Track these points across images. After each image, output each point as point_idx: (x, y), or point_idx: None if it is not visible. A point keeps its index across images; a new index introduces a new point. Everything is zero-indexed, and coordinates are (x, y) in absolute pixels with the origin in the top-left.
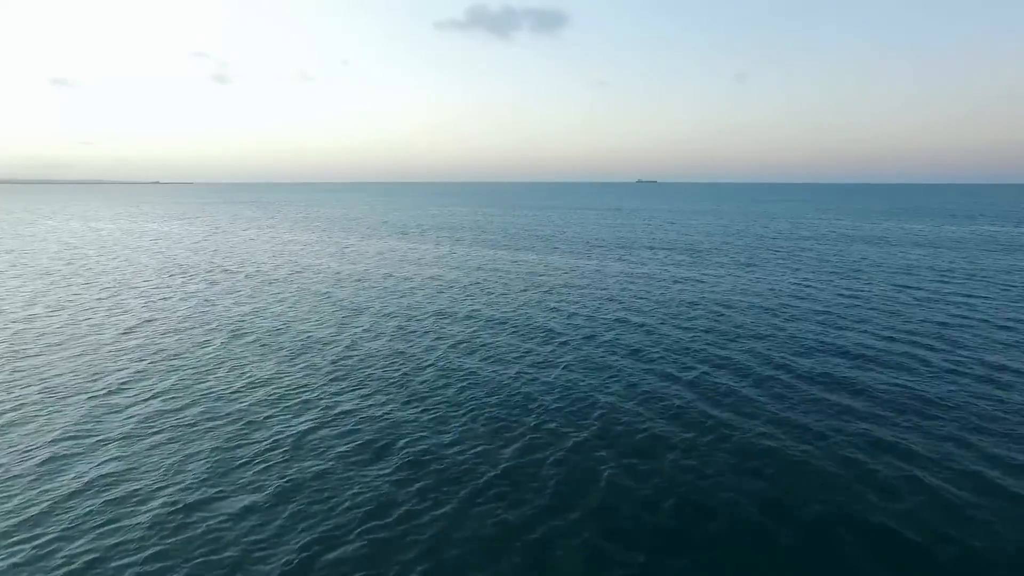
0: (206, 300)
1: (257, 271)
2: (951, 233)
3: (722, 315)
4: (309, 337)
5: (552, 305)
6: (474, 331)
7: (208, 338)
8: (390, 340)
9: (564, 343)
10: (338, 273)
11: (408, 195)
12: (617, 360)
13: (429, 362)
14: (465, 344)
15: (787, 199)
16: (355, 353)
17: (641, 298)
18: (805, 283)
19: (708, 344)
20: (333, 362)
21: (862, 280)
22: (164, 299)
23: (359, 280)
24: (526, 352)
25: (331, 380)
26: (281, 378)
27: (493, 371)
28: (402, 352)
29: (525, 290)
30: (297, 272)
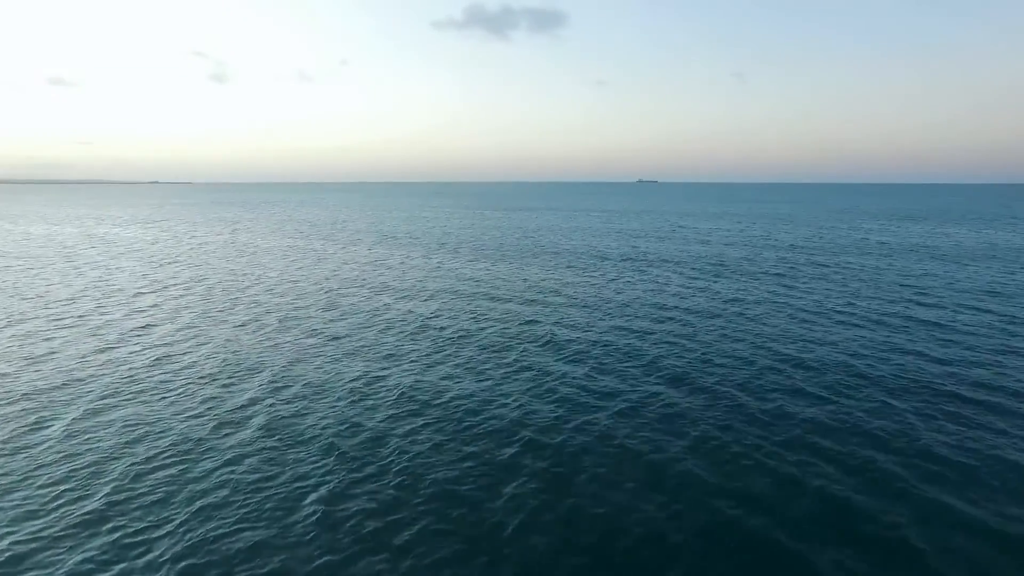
0: (66, 343)
1: (166, 299)
2: (1004, 240)
3: (789, 377)
4: (149, 416)
5: (549, 365)
6: (421, 407)
7: (30, 401)
8: (292, 415)
9: (559, 428)
10: (268, 302)
11: (404, 195)
12: (638, 470)
13: (321, 478)
14: (407, 424)
15: (793, 200)
16: (211, 450)
17: (669, 342)
18: (876, 317)
19: (789, 439)
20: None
21: (944, 307)
22: (18, 340)
23: (292, 312)
24: (492, 450)
25: (158, 508)
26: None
27: (443, 476)
28: (295, 442)
29: (514, 327)
30: (220, 301)
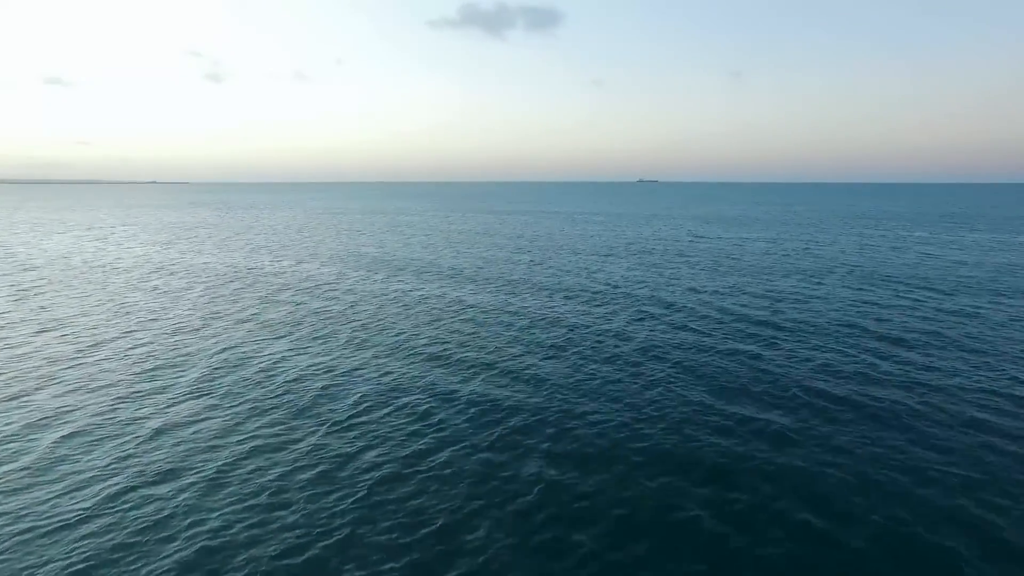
0: None
1: None
2: None
3: None
4: None
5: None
6: None
7: None
8: None
9: None
10: (83, 363)
11: (394, 197)
12: None
13: None
14: None
15: (805, 202)
16: None
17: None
18: None
19: None
20: None
21: None
22: None
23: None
24: None
25: None
26: None
27: None
28: None
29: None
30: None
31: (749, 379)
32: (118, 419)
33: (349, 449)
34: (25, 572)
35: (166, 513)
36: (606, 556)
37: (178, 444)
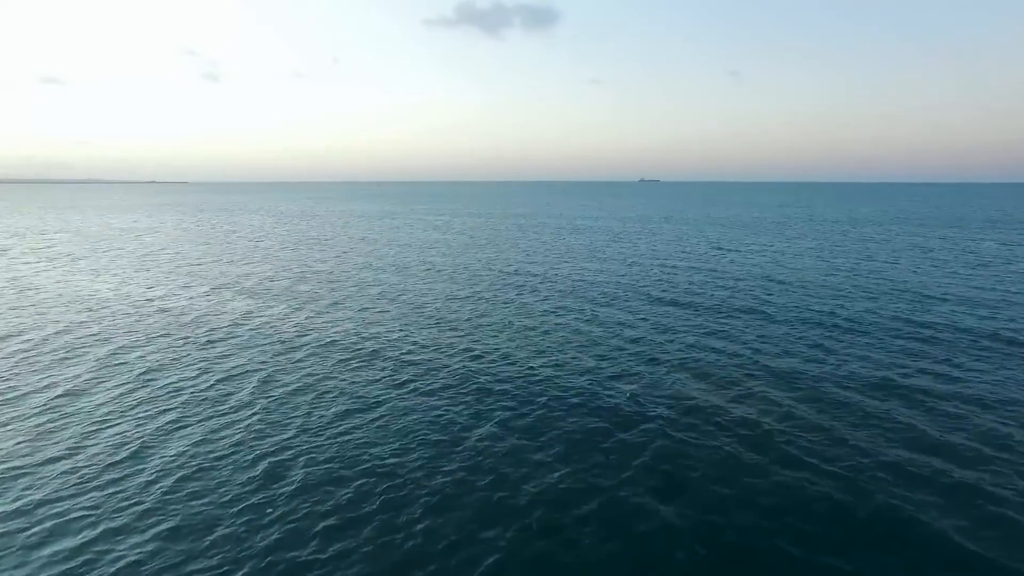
0: None
1: None
2: None
3: None
4: None
5: None
6: None
7: None
8: None
9: None
10: None
11: (388, 198)
12: None
13: None
14: None
15: (814, 203)
16: None
17: None
18: None
19: None
20: None
21: None
22: None
23: None
24: None
25: None
26: None
27: None
28: None
29: None
30: None
31: None
32: None
33: None
34: None
35: None
36: None
37: None
